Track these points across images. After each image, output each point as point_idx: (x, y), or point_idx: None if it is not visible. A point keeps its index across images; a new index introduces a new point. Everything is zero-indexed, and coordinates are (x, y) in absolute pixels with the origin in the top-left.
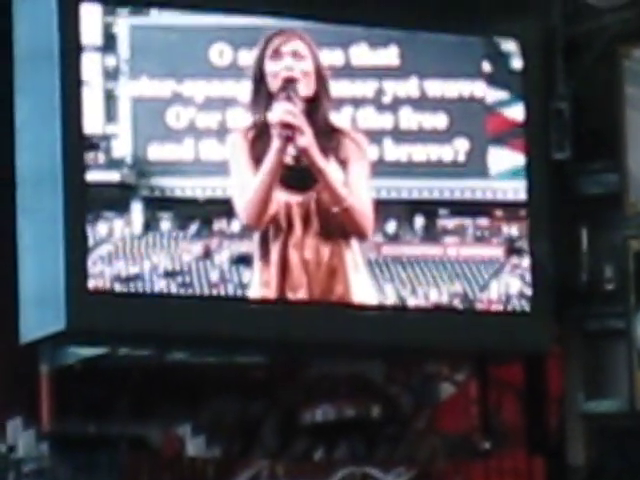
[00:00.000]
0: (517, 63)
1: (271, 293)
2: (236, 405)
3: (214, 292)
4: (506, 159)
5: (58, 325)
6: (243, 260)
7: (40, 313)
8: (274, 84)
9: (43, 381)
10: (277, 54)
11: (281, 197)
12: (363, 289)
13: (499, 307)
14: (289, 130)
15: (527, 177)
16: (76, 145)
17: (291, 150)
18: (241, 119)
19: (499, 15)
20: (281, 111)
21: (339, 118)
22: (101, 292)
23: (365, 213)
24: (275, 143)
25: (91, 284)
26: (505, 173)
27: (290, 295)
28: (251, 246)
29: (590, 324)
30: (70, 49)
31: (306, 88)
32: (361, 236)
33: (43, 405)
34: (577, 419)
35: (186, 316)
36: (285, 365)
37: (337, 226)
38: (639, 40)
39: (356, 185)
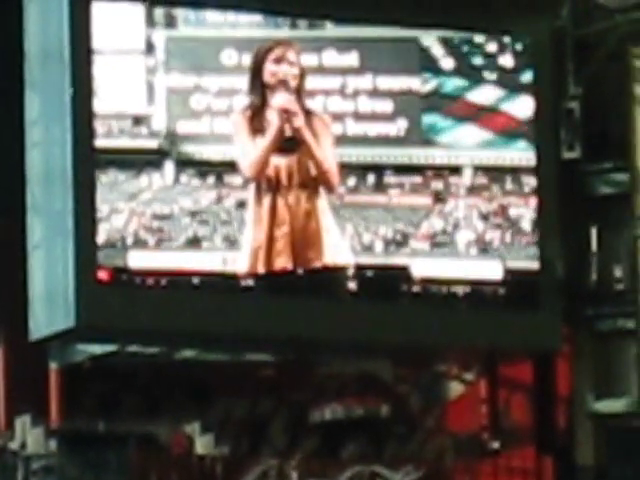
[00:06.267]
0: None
1: (262, 230)
2: (245, 403)
3: (224, 230)
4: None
5: (68, 322)
6: (243, 204)
7: (49, 310)
8: (271, 80)
9: (52, 378)
10: (278, 61)
11: (272, 159)
12: (330, 227)
13: (428, 241)
14: (287, 114)
15: (537, 177)
16: (86, 142)
17: (287, 128)
18: (242, 103)
19: (511, 14)
20: (282, 100)
21: (313, 104)
22: (109, 284)
23: (334, 174)
24: (275, 122)
25: (134, 224)
26: (435, 143)
27: (276, 230)
28: (248, 194)
29: (600, 324)
30: (80, 48)
31: (294, 84)
32: (330, 190)
33: (52, 402)
34: (586, 419)
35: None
36: (294, 364)
37: (312, 181)
38: None
39: (327, 153)
